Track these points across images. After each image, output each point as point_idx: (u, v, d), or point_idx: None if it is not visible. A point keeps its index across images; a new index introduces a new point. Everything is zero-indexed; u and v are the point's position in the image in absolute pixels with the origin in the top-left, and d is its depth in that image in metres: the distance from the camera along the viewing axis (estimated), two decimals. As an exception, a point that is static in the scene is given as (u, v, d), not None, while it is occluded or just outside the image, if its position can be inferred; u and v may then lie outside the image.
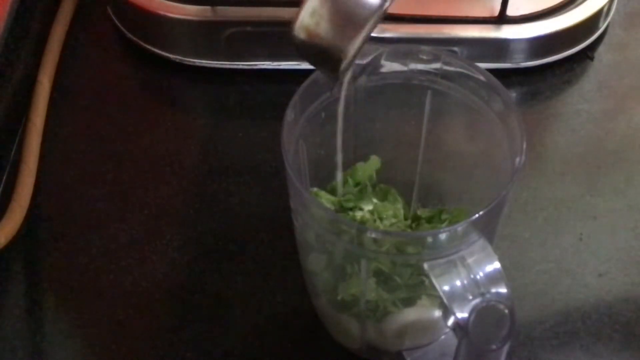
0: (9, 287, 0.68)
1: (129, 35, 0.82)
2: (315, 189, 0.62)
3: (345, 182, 0.63)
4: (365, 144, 0.64)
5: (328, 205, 0.61)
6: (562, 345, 0.64)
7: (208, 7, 0.77)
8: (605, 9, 0.79)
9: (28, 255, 0.70)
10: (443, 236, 0.52)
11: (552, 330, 0.65)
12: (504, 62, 0.78)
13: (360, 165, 0.63)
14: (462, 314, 0.49)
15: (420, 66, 0.59)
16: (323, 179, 0.63)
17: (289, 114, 0.56)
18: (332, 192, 0.63)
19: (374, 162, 0.64)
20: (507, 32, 0.77)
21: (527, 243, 0.69)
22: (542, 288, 0.67)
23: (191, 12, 0.78)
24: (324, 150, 0.62)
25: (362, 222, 0.61)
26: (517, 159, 0.53)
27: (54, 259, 0.70)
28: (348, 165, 0.64)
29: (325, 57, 0.50)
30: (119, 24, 0.83)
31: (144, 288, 0.68)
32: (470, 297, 0.50)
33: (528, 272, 0.68)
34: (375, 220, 0.62)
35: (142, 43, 0.81)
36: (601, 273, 0.68)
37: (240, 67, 0.80)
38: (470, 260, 0.50)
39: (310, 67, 0.53)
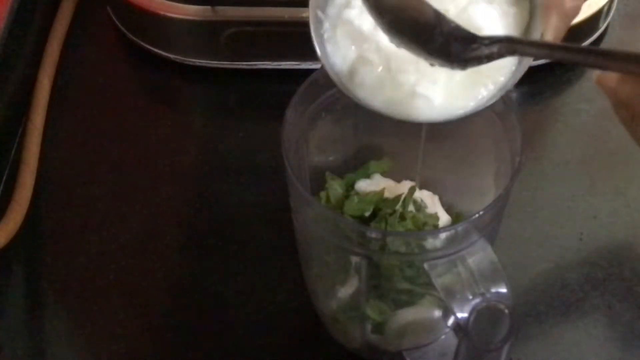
0: (9, 287, 0.68)
1: (129, 35, 0.82)
2: (328, 173, 0.62)
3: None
4: (366, 145, 0.64)
5: (339, 190, 0.61)
6: (562, 345, 0.64)
7: (208, 7, 0.77)
8: (605, 9, 0.79)
9: (28, 255, 0.70)
10: (443, 236, 0.52)
11: (552, 330, 0.65)
12: (504, 62, 0.78)
13: (373, 162, 0.64)
14: (462, 314, 0.49)
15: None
16: (323, 179, 0.63)
17: (289, 114, 0.56)
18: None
19: (386, 162, 0.64)
20: (507, 32, 0.77)
21: (527, 243, 0.69)
22: (542, 288, 0.67)
23: (191, 12, 0.78)
24: (323, 149, 0.62)
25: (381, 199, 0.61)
26: (517, 159, 0.53)
27: (54, 259, 0.70)
28: (348, 168, 0.64)
29: None
30: (119, 24, 0.83)
31: (144, 288, 0.68)
32: (471, 297, 0.50)
33: (528, 272, 0.68)
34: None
35: (142, 43, 0.81)
36: (601, 273, 0.68)
37: (240, 67, 0.80)
38: (470, 260, 0.50)
39: (311, 67, 0.53)
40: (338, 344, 0.64)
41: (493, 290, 0.50)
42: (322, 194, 0.62)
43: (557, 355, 0.64)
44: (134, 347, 0.65)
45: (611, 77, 0.47)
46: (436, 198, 0.64)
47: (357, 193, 0.62)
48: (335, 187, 0.62)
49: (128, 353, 0.65)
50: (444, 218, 0.62)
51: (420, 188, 0.64)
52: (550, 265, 0.68)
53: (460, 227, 0.51)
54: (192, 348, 0.65)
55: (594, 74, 0.48)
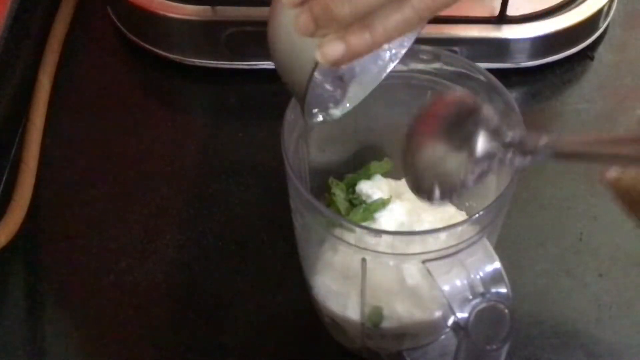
0: (9, 287, 0.68)
1: (129, 35, 0.82)
2: (332, 180, 0.63)
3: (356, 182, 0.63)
4: (366, 145, 0.64)
5: (342, 195, 0.61)
6: (562, 345, 0.64)
7: (208, 7, 0.77)
8: (605, 9, 0.79)
9: (28, 255, 0.70)
10: (443, 236, 0.52)
11: (552, 330, 0.65)
12: (504, 62, 0.78)
13: (374, 163, 0.64)
14: (462, 314, 0.49)
15: (421, 66, 0.59)
16: (322, 179, 0.63)
17: (289, 114, 0.56)
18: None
19: (387, 163, 0.64)
20: (507, 32, 0.77)
21: (527, 243, 0.69)
22: (542, 288, 0.67)
23: (191, 12, 0.78)
24: (323, 149, 0.62)
25: (383, 203, 0.61)
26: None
27: (54, 259, 0.70)
28: (348, 168, 0.64)
29: None
30: (119, 24, 0.83)
31: (144, 288, 0.68)
32: (471, 297, 0.50)
33: (528, 272, 0.68)
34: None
35: (142, 43, 0.81)
36: (601, 273, 0.68)
37: (240, 67, 0.80)
38: (470, 260, 0.50)
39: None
40: (338, 344, 0.64)
41: (493, 290, 0.50)
42: (326, 199, 0.62)
43: (556, 355, 0.64)
44: (134, 347, 0.65)
45: (614, 171, 0.50)
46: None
47: (359, 196, 0.62)
48: (339, 193, 0.62)
49: (128, 353, 0.65)
50: (451, 211, 0.62)
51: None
52: (550, 265, 0.68)
53: (460, 227, 0.51)
54: (192, 348, 0.65)
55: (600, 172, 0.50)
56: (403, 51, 0.56)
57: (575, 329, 0.65)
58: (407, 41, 0.55)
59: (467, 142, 0.50)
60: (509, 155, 0.49)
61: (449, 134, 0.51)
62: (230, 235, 0.70)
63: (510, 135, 0.49)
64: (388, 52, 0.55)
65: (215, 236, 0.70)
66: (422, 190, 0.52)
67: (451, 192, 0.52)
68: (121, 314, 0.66)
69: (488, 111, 0.50)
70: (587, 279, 0.68)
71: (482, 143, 0.50)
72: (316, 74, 0.50)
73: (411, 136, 0.52)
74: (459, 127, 0.51)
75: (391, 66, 0.56)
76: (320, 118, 0.55)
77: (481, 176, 0.50)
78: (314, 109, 0.55)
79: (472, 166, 0.50)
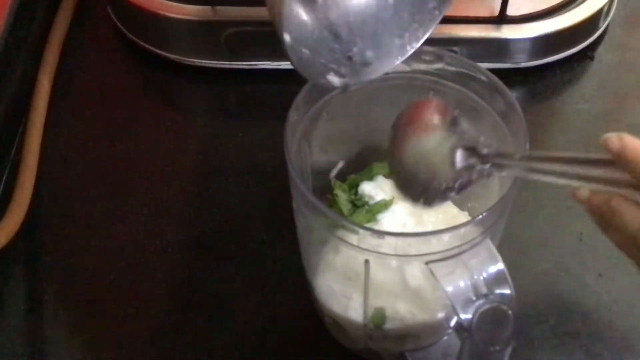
0: (9, 287, 0.68)
1: (129, 35, 0.82)
2: (333, 180, 0.63)
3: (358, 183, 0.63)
4: (368, 146, 0.64)
5: (344, 197, 0.61)
6: (562, 345, 0.64)
7: (208, 7, 0.77)
8: (605, 9, 0.80)
9: (28, 255, 0.70)
10: (446, 237, 0.52)
11: (552, 330, 0.65)
12: (504, 62, 0.78)
13: (377, 164, 0.64)
14: (465, 315, 0.49)
15: (423, 66, 0.59)
16: (325, 179, 0.63)
17: (292, 115, 0.56)
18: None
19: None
20: (507, 32, 0.77)
21: (527, 243, 0.70)
22: (542, 288, 0.67)
23: (191, 12, 0.78)
24: (325, 149, 0.62)
25: (385, 205, 0.61)
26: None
27: (54, 259, 0.70)
28: (350, 169, 0.64)
29: None
30: (119, 24, 0.83)
31: (144, 288, 0.68)
32: (474, 298, 0.50)
33: (528, 272, 0.68)
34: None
35: (142, 43, 0.81)
36: (601, 273, 0.68)
37: (240, 67, 0.80)
38: (474, 261, 0.50)
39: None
40: (339, 345, 0.64)
41: (497, 291, 0.50)
42: (329, 200, 0.62)
43: (556, 355, 0.64)
44: (133, 347, 0.65)
45: (584, 190, 0.51)
46: None
47: (362, 197, 0.62)
48: (341, 194, 0.62)
49: (128, 353, 0.65)
50: (453, 212, 0.62)
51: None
52: (550, 265, 0.68)
53: (463, 228, 0.51)
54: (192, 348, 0.65)
55: (569, 189, 0.51)
56: (418, 43, 0.56)
57: (575, 329, 0.65)
58: (421, 33, 0.56)
59: (445, 153, 0.51)
60: (487, 167, 0.51)
61: (429, 138, 0.52)
62: (230, 235, 0.70)
63: (486, 149, 0.51)
64: (402, 39, 0.56)
65: (215, 236, 0.70)
66: (406, 193, 0.54)
67: (433, 199, 0.53)
68: (121, 314, 0.66)
69: (465, 124, 0.52)
70: (587, 279, 0.68)
71: (460, 156, 0.51)
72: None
73: (393, 138, 0.53)
74: (438, 134, 0.52)
75: (409, 51, 0.56)
76: (320, 80, 0.56)
77: (463, 187, 0.52)
78: (319, 73, 0.55)
79: (452, 177, 0.52)
